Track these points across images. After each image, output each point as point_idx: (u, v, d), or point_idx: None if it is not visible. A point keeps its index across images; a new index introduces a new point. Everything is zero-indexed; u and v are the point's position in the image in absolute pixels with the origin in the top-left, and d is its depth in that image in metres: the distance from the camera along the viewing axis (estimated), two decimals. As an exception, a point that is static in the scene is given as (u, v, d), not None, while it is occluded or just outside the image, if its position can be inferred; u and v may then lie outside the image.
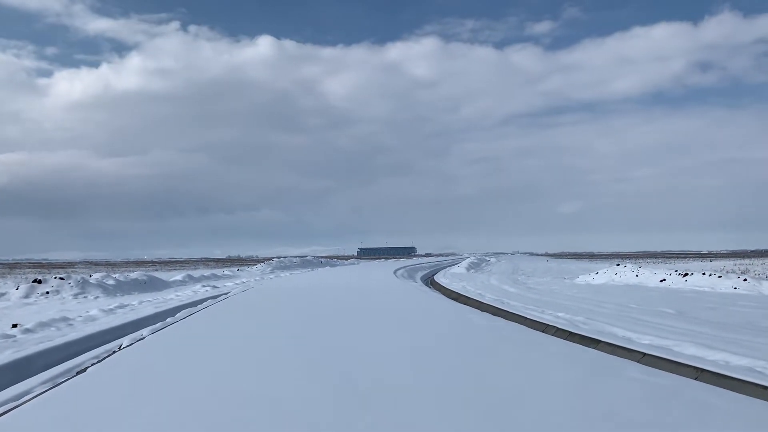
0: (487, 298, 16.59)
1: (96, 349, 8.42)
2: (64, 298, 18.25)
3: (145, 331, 8.32)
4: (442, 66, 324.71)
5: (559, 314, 12.53)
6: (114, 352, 7.28)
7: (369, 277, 27.84)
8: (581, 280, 24.91)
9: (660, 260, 67.80)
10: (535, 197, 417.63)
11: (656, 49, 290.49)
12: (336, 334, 8.82)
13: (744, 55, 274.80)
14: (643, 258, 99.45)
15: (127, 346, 7.45)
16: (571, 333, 10.17)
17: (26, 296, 18.14)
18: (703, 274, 19.66)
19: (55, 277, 19.79)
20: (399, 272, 33.96)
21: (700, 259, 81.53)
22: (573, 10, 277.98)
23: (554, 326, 11.01)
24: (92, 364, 6.34)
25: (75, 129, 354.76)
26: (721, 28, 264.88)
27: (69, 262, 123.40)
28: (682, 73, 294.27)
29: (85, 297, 18.59)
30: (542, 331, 10.69)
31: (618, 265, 26.19)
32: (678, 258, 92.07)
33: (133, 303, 16.11)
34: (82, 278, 20.06)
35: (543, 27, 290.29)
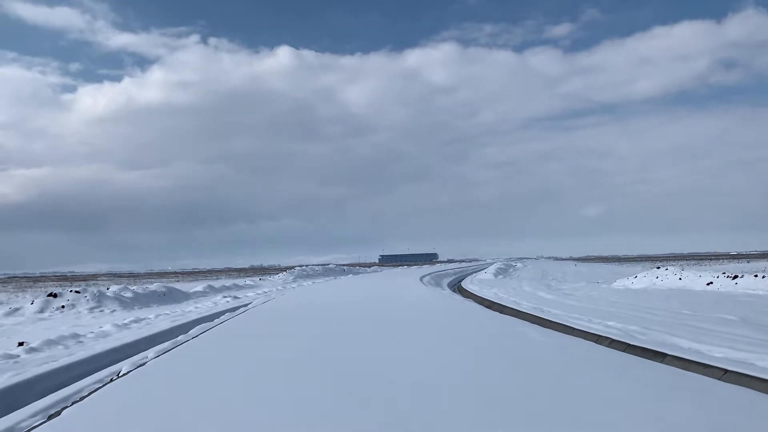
0: (525, 306, 15.48)
1: (101, 371, 7.57)
2: (79, 312, 17.57)
3: (150, 353, 7.35)
4: (461, 71, 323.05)
5: (609, 323, 11.41)
6: (111, 379, 6.33)
7: (397, 286, 26.39)
8: (619, 284, 23.60)
9: (693, 262, 65.67)
10: (557, 201, 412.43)
11: (678, 48, 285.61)
12: (374, 357, 7.32)
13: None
14: (672, 260, 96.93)
15: (125, 374, 6.35)
16: (629, 345, 9.07)
17: (41, 311, 17.49)
18: (756, 276, 18.29)
19: (71, 291, 19.14)
20: (426, 279, 32.88)
21: (735, 260, 79.00)
22: (592, 12, 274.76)
23: (607, 337, 9.90)
24: (73, 403, 5.28)
25: (98, 143, 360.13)
26: (745, 26, 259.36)
27: (93, 275, 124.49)
28: (705, 72, 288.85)
29: (101, 311, 17.89)
30: (595, 342, 9.63)
31: (658, 268, 24.84)
32: (711, 259, 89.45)
33: (150, 317, 15.35)
34: (99, 291, 19.39)
35: (562, 29, 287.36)
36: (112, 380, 6.23)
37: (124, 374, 6.25)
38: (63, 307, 17.94)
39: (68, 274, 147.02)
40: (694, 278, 20.27)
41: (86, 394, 5.64)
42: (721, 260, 79.52)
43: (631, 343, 9.16)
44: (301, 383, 5.79)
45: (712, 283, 18.89)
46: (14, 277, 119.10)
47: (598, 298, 17.55)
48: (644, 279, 22.62)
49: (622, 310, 13.91)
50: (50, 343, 10.34)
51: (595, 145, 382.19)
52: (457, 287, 30.10)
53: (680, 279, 20.83)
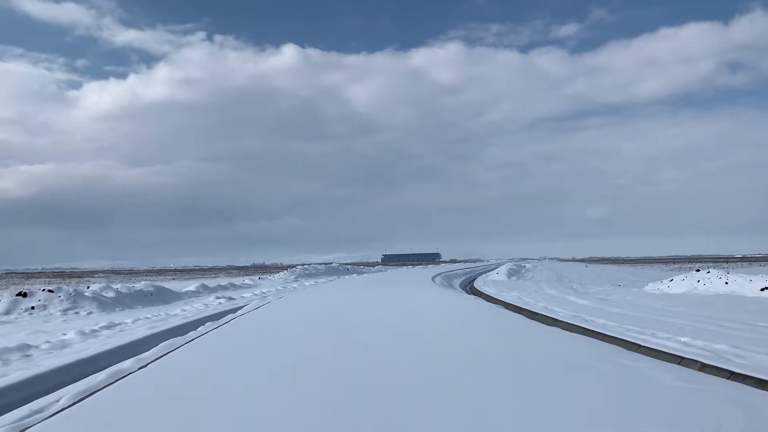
0: (560, 314, 13.33)
1: (20, 408, 5.44)
2: (50, 314, 15.46)
3: (96, 382, 5.08)
4: (467, 71, 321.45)
5: (682, 339, 9.24)
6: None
7: (412, 288, 23.11)
8: (653, 288, 21.40)
9: (711, 264, 63.25)
10: (561, 202, 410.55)
11: (684, 49, 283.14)
12: (413, 397, 4.61)
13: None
14: (678, 263, 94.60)
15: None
16: (732, 373, 6.91)
17: (7, 312, 15.39)
18: (820, 281, 16.14)
19: (43, 290, 17.02)
20: (437, 280, 30.67)
21: (758, 262, 76.62)
22: (599, 12, 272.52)
23: (694, 359, 7.75)
24: None
25: (103, 139, 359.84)
26: (752, 27, 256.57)
27: (90, 271, 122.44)
28: (711, 74, 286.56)
29: (75, 312, 15.78)
30: (678, 364, 7.48)
31: (698, 270, 22.65)
32: (726, 262, 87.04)
33: (127, 321, 13.23)
34: (75, 291, 17.26)
35: (568, 30, 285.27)
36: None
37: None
38: (33, 308, 15.83)
39: (67, 270, 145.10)
40: (743, 282, 18.09)
41: None
42: (741, 262, 77.14)
43: (735, 370, 7.01)
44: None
45: (767, 288, 16.71)
46: (13, 272, 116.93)
47: (641, 305, 15.37)
48: (683, 283, 20.42)
49: (682, 320, 11.75)
50: (-15, 358, 8.22)
51: (600, 147, 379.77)
52: (470, 288, 27.94)
53: (726, 283, 18.64)
